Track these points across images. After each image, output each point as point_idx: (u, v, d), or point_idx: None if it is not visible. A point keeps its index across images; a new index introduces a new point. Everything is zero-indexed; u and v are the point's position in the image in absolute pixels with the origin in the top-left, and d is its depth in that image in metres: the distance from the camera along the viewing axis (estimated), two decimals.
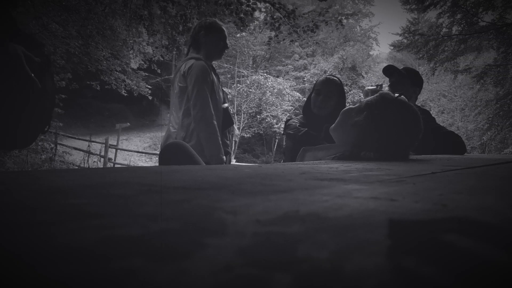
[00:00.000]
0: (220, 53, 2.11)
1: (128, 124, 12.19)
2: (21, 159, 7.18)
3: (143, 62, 10.64)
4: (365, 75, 20.95)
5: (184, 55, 2.24)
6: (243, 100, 17.16)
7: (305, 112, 1.97)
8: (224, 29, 2.09)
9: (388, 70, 2.15)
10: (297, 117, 2.01)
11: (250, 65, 19.76)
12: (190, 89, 1.91)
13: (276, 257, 0.19)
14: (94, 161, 9.62)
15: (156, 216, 0.28)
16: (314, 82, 2.09)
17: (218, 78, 2.10)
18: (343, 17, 7.99)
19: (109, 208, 0.30)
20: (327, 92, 1.89)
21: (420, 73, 2.28)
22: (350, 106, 1.32)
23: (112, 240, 0.21)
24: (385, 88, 2.14)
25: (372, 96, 1.28)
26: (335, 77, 2.01)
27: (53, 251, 0.19)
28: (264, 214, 0.29)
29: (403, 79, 2.09)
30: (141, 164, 12.36)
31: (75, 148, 9.80)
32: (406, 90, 2.04)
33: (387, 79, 2.19)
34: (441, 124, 2.19)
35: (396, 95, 1.22)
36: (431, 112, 2.21)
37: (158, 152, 2.05)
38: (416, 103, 2.19)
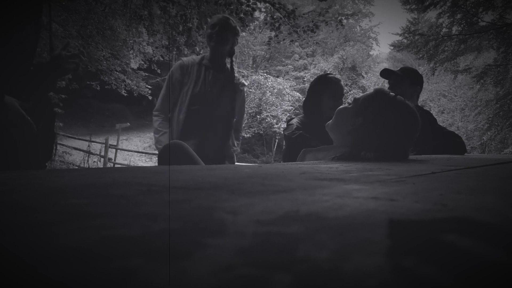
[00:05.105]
0: (209, 45, 1.99)
1: (128, 124, 12.20)
2: None
3: (143, 62, 10.63)
4: (365, 75, 20.90)
5: (184, 55, 2.23)
6: None
7: (305, 112, 1.98)
8: (215, 20, 1.98)
9: (385, 73, 2.15)
10: (298, 116, 2.01)
11: (250, 65, 19.74)
12: None
13: (276, 257, 0.19)
14: (94, 161, 9.63)
15: (156, 216, 0.28)
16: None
17: (215, 75, 2.00)
18: (343, 17, 7.97)
19: (109, 208, 0.30)
20: (341, 95, 1.97)
21: (419, 71, 2.28)
22: (345, 106, 1.26)
23: (112, 240, 0.21)
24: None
25: (367, 94, 1.23)
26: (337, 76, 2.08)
27: (53, 251, 0.19)
28: (264, 214, 0.29)
29: (402, 79, 2.09)
30: (141, 164, 12.36)
31: (75, 148, 9.80)
32: (405, 90, 2.04)
33: (386, 81, 2.20)
34: (441, 124, 2.20)
35: (392, 94, 1.19)
36: (431, 113, 2.21)
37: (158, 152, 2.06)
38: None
